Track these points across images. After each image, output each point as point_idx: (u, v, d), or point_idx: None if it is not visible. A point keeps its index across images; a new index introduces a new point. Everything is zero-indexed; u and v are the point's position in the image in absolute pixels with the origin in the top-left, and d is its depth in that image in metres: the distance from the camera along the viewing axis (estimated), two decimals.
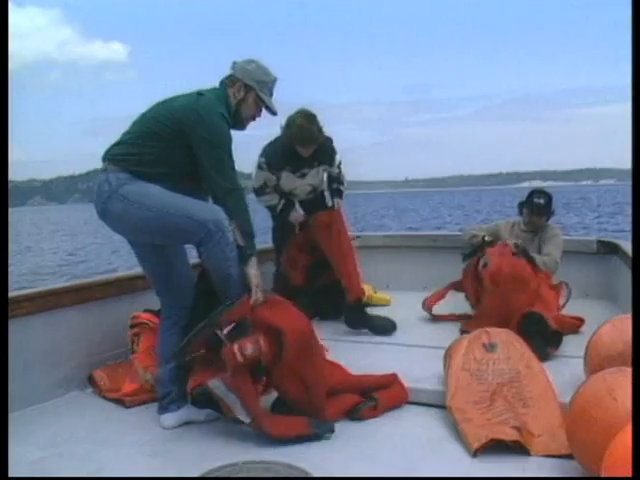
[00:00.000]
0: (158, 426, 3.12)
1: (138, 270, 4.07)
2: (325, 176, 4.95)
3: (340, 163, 4.99)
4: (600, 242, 5.69)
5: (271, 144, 4.77)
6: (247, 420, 2.90)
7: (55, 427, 3.19)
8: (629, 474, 1.79)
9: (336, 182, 4.97)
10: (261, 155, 4.75)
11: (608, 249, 5.54)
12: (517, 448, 2.71)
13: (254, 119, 3.37)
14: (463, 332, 4.15)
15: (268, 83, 3.34)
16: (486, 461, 2.65)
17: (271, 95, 3.36)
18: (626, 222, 27.55)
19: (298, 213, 4.86)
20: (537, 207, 4.95)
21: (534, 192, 5.07)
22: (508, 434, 2.75)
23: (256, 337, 2.96)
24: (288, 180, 4.79)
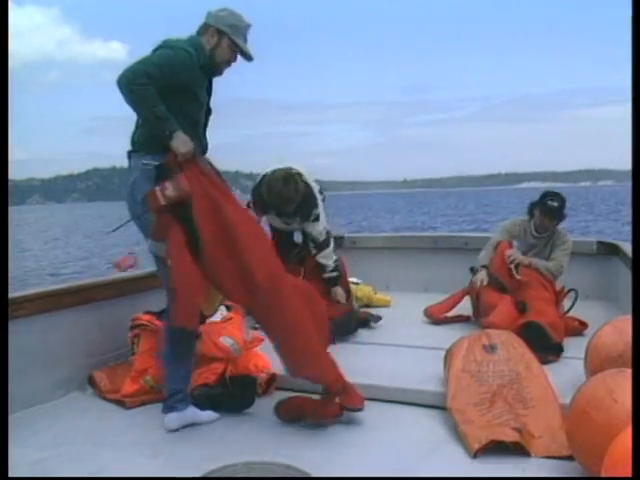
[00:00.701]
0: (158, 427, 3.11)
1: (137, 271, 4.06)
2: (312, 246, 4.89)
3: (318, 216, 4.83)
4: (600, 243, 5.69)
5: (255, 190, 4.71)
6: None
7: (55, 428, 3.19)
8: (629, 474, 1.79)
9: (319, 248, 4.85)
10: (252, 198, 4.73)
11: (608, 250, 5.54)
12: (517, 449, 2.71)
13: (229, 64, 3.36)
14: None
15: (241, 28, 3.33)
16: (486, 462, 2.65)
17: (245, 41, 3.35)
18: (618, 226, 27.58)
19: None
20: (550, 210, 4.84)
21: (548, 194, 4.95)
22: (508, 435, 2.76)
23: (177, 177, 2.95)
24: (275, 221, 4.86)
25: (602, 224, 30.56)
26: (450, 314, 4.92)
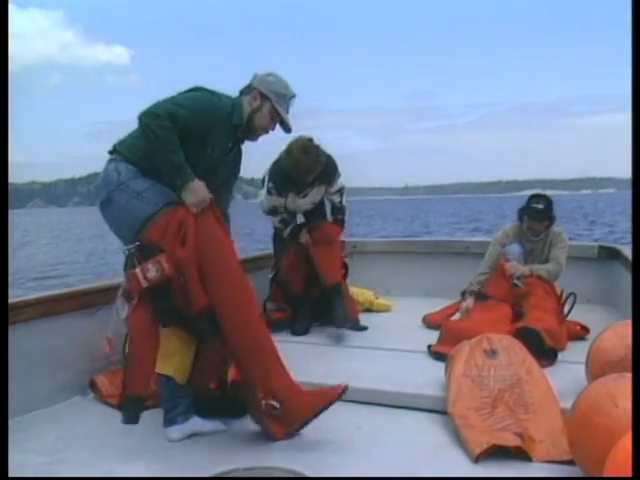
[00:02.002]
0: (159, 432, 3.10)
1: None
2: (328, 205, 5.12)
3: (342, 189, 5.05)
4: (601, 247, 5.69)
5: (275, 167, 4.83)
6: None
7: (57, 433, 3.18)
8: None
9: (339, 213, 5.08)
10: (269, 180, 4.83)
11: (609, 255, 5.54)
12: (519, 454, 2.71)
13: (267, 132, 3.28)
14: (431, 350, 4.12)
15: (286, 96, 3.26)
16: (487, 467, 2.64)
17: (287, 111, 3.28)
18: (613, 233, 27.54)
19: (306, 236, 4.95)
20: (536, 212, 4.81)
21: (532, 197, 4.94)
22: (510, 440, 2.75)
23: (158, 258, 2.82)
24: (292, 202, 4.92)
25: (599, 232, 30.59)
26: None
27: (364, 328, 4.80)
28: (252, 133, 3.26)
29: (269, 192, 4.84)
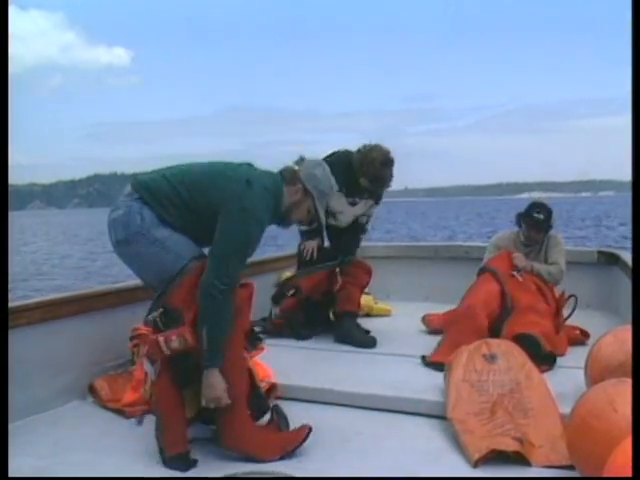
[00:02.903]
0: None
1: (138, 281, 4.07)
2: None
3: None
4: (601, 253, 5.70)
5: (332, 160, 4.55)
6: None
7: (56, 437, 3.18)
8: None
9: (362, 233, 5.04)
10: None
11: (609, 260, 5.55)
12: (518, 459, 2.71)
13: (300, 223, 3.24)
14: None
15: (327, 195, 3.20)
16: (487, 472, 2.65)
17: (325, 207, 3.22)
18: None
19: (311, 244, 4.90)
20: (536, 222, 4.80)
21: (534, 206, 4.88)
22: (509, 445, 2.76)
23: (182, 329, 2.77)
24: (339, 202, 4.72)
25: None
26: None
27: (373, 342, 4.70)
28: (286, 223, 3.20)
29: None
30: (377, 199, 4.89)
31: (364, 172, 4.55)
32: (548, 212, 4.84)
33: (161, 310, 2.84)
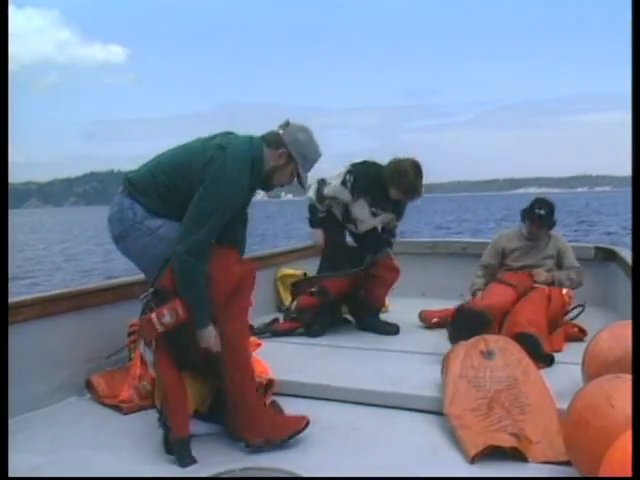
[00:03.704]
0: (155, 433, 3.10)
1: (135, 276, 4.07)
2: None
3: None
4: (598, 249, 5.70)
5: (362, 167, 4.75)
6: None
7: (53, 433, 3.18)
8: None
9: (389, 233, 5.05)
10: (350, 172, 4.71)
11: (606, 256, 5.55)
12: (515, 455, 2.71)
13: (282, 186, 3.24)
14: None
15: (312, 161, 3.18)
16: (484, 468, 2.65)
17: (309, 171, 3.20)
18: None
19: (319, 235, 4.93)
20: (538, 218, 4.87)
21: (536, 202, 4.95)
22: (506, 441, 2.76)
23: (173, 303, 2.80)
24: (361, 210, 4.79)
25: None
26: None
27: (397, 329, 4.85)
28: (267, 187, 3.21)
29: (343, 183, 4.70)
30: (399, 216, 4.94)
31: (397, 183, 4.58)
32: (550, 208, 4.92)
33: (152, 290, 2.86)
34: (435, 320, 4.90)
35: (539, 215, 4.87)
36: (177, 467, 2.76)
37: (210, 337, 2.88)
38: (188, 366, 2.99)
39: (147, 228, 3.00)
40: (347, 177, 4.67)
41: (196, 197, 2.89)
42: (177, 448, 2.82)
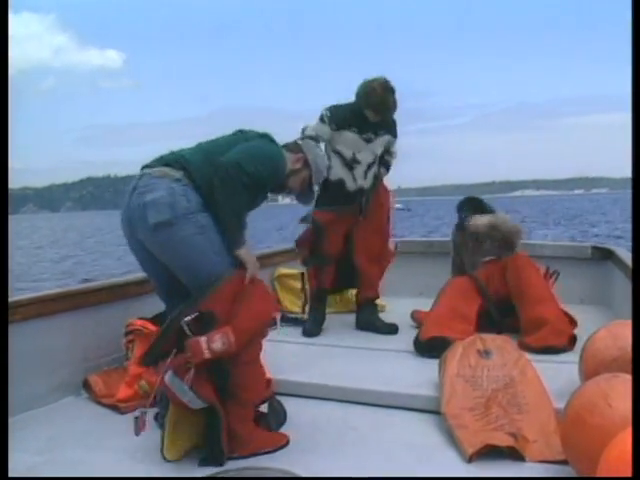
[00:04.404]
0: (152, 432, 3.09)
1: (131, 276, 4.05)
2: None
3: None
4: (595, 248, 5.70)
5: (336, 105, 4.65)
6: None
7: (50, 433, 3.18)
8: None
9: (386, 153, 4.91)
10: (326, 109, 4.60)
11: (603, 255, 5.55)
12: (512, 454, 2.71)
13: (289, 194, 3.28)
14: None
15: (321, 175, 3.32)
16: (481, 467, 2.65)
17: (318, 183, 3.31)
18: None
19: (308, 219, 4.83)
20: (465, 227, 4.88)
21: (461, 207, 5.01)
22: (503, 440, 2.76)
23: (226, 328, 2.65)
24: (353, 142, 4.62)
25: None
26: None
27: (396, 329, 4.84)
28: (279, 187, 3.21)
29: (321, 119, 4.57)
30: (391, 132, 4.81)
31: (368, 103, 4.49)
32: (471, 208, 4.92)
33: (197, 315, 2.68)
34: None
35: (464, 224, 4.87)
36: (174, 466, 2.76)
37: (249, 255, 2.90)
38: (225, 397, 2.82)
39: (198, 222, 2.83)
40: (324, 112, 4.57)
41: (247, 147, 2.94)
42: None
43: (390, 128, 4.78)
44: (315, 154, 3.24)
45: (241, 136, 3.09)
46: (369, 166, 4.70)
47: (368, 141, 4.64)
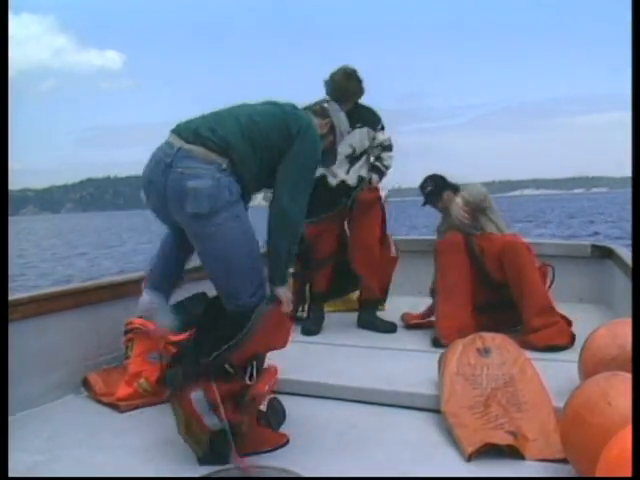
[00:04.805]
0: (152, 431, 3.11)
1: (131, 275, 4.06)
2: (371, 158, 4.86)
3: (390, 146, 4.93)
4: (594, 247, 5.70)
5: (308, 105, 4.65)
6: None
7: (49, 431, 3.18)
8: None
9: (377, 159, 4.90)
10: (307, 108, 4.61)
11: (602, 253, 5.55)
12: (512, 453, 2.71)
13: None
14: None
15: (343, 137, 3.32)
16: (481, 466, 2.65)
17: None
18: None
19: (287, 297, 4.80)
20: (426, 199, 4.95)
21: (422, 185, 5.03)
22: (503, 438, 2.76)
23: (274, 374, 2.86)
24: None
25: None
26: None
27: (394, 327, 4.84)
28: None
29: None
30: (369, 123, 4.75)
31: (332, 94, 4.44)
32: (434, 185, 4.93)
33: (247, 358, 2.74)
34: (414, 322, 4.88)
35: (426, 195, 4.93)
36: (174, 465, 2.75)
37: (287, 295, 2.94)
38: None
39: (234, 213, 2.79)
40: (317, 109, 4.57)
41: (295, 161, 2.89)
42: None
43: (368, 120, 4.75)
44: (339, 118, 3.24)
45: (282, 121, 2.96)
46: (351, 161, 4.70)
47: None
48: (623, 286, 4.40)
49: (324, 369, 3.79)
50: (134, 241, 42.38)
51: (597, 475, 2.00)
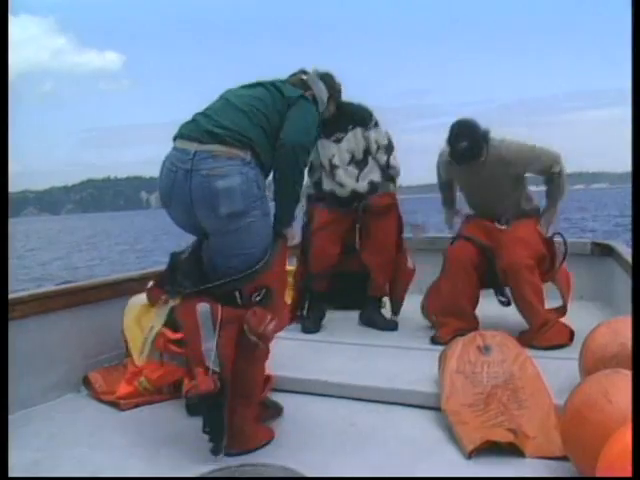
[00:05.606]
0: (152, 429, 3.11)
1: (132, 273, 4.05)
2: (376, 170, 4.75)
3: (390, 146, 4.81)
4: (595, 244, 5.69)
5: None
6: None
7: (50, 430, 3.18)
8: (624, 475, 1.79)
9: (388, 167, 4.78)
10: None
11: (603, 251, 5.54)
12: (512, 450, 2.71)
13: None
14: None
15: (324, 106, 3.33)
16: (481, 463, 2.65)
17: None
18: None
19: (294, 232, 4.75)
20: (459, 156, 4.28)
21: (452, 130, 4.28)
22: (503, 436, 2.76)
23: (275, 318, 2.73)
24: (324, 148, 4.58)
25: None
26: None
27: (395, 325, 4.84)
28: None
29: None
30: (360, 122, 4.64)
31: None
32: (471, 137, 4.22)
33: (254, 287, 2.71)
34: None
35: (459, 152, 4.24)
36: (174, 464, 2.75)
37: (294, 232, 2.98)
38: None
39: (264, 208, 2.75)
40: None
41: (297, 116, 2.86)
42: None
43: (359, 118, 4.66)
44: (320, 88, 3.22)
45: (281, 99, 2.91)
46: (357, 166, 4.66)
47: (338, 141, 4.61)
48: (623, 283, 4.40)
49: (324, 367, 3.79)
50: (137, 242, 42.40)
51: (597, 473, 2.00)
